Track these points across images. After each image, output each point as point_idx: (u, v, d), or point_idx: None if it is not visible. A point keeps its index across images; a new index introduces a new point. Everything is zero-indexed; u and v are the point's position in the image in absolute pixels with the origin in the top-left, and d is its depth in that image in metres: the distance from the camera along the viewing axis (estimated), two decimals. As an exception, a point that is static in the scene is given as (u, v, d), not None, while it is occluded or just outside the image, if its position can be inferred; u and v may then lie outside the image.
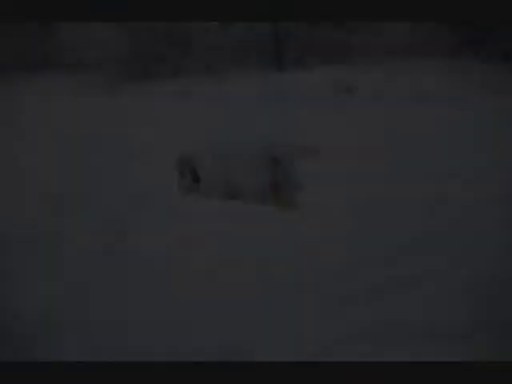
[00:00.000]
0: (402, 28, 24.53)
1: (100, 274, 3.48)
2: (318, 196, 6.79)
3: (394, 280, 3.50)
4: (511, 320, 3.21)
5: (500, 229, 5.33)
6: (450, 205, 5.92)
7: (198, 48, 31.49)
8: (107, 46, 30.99)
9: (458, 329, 2.96)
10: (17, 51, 33.61)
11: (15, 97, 27.90)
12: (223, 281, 3.86)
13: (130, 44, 31.40)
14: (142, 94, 27.10)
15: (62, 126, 14.17)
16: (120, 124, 13.96)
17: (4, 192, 6.56)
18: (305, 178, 6.94)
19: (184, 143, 10.69)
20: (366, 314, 3.13)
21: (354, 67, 23.44)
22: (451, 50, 22.80)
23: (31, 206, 5.84)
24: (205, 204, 6.21)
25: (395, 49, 24.45)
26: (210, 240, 4.49)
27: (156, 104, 21.91)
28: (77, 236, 4.17)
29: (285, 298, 3.51)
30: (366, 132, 11.94)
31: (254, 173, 6.61)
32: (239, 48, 31.39)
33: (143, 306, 3.22)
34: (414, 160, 9.08)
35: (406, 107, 16.28)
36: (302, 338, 2.94)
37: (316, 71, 24.61)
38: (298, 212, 6.01)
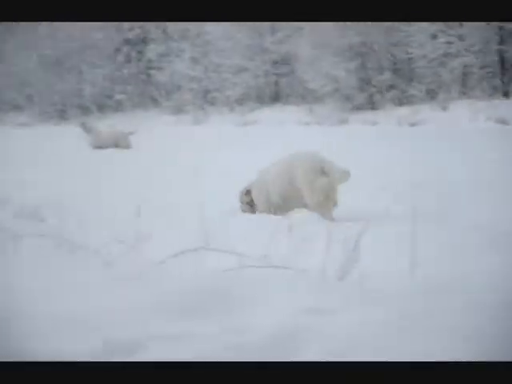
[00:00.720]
0: None
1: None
2: None
3: None
4: None
5: None
6: None
7: (422, 77, 31.11)
8: (337, 78, 31.38)
9: None
10: (252, 86, 34.85)
11: (250, 126, 28.91)
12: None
13: (357, 76, 31.64)
14: (365, 124, 27.16)
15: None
16: (350, 151, 14.04)
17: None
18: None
19: (415, 170, 10.58)
20: None
21: None
22: None
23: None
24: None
25: None
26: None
27: (382, 131, 21.83)
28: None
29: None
30: None
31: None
32: (464, 75, 30.68)
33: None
34: None
35: None
36: None
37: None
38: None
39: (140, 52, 38.59)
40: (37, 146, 18.46)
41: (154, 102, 37.10)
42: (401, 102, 30.54)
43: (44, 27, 38.04)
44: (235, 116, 32.60)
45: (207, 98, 35.49)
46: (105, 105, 37.93)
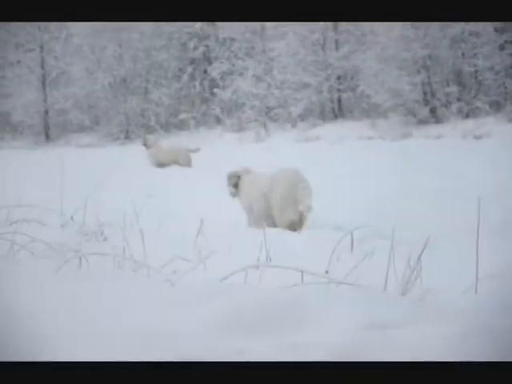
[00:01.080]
0: None
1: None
2: None
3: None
4: None
5: None
6: None
7: (488, 89, 30.69)
8: (401, 92, 31.14)
9: None
10: (314, 102, 34.86)
11: (312, 142, 28.93)
12: None
13: (422, 89, 31.36)
14: (429, 138, 26.85)
15: (352, 167, 14.50)
16: (404, 169, 13.90)
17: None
18: None
19: (479, 183, 10.41)
20: None
21: None
22: None
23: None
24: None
25: None
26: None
27: (446, 145, 21.58)
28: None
29: None
30: None
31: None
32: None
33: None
34: None
35: None
36: None
37: None
38: None
39: (204, 71, 39.00)
40: (100, 165, 18.73)
41: (217, 119, 37.40)
42: (466, 114, 30.15)
43: (110, 49, 38.75)
44: (297, 132, 32.63)
45: (270, 115, 35.62)
46: (169, 124, 38.37)
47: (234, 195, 7.92)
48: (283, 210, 7.12)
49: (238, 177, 7.89)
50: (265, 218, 7.32)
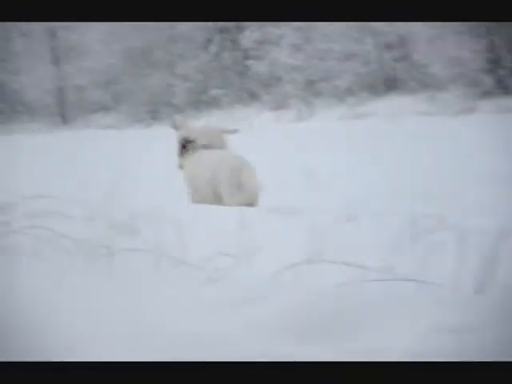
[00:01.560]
0: None
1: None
2: None
3: None
4: None
5: None
6: None
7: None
8: (460, 62, 30.92)
9: None
10: (362, 73, 34.74)
11: (362, 119, 28.89)
12: None
13: (485, 56, 31.10)
14: (498, 111, 26.68)
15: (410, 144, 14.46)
16: (469, 149, 13.82)
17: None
18: None
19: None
20: None
21: None
22: None
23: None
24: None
25: None
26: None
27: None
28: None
29: None
30: None
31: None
32: None
33: None
34: None
35: None
36: None
37: None
38: None
39: (234, 40, 38.89)
40: (126, 149, 18.81)
41: (253, 95, 37.34)
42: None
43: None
44: (344, 108, 32.49)
45: (312, 90, 35.50)
46: (199, 101, 38.36)
47: (182, 167, 8.65)
48: (231, 193, 7.99)
49: (190, 142, 8.91)
50: (212, 197, 8.16)
